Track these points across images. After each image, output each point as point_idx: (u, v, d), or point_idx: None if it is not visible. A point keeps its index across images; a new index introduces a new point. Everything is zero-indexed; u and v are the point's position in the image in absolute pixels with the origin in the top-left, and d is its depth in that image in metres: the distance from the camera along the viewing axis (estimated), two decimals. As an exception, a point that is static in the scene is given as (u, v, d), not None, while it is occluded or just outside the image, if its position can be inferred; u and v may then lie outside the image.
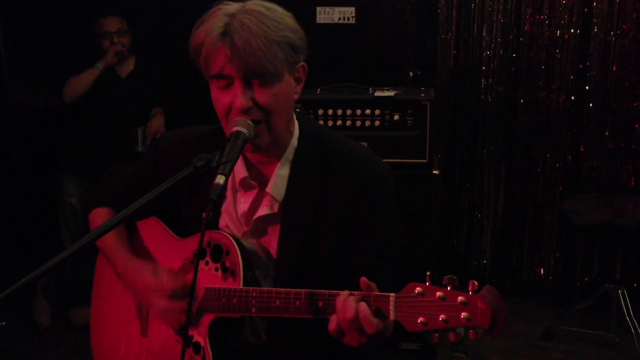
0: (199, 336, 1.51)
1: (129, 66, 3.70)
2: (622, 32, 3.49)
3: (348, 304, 1.29)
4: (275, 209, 1.53)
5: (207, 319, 1.50)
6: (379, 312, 1.28)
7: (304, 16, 1.45)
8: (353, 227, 1.51)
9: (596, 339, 3.31)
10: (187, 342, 1.52)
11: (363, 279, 1.31)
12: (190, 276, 1.54)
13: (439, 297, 1.21)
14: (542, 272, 3.84)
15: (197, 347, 1.51)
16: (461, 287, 1.23)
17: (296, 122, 1.54)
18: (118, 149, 3.58)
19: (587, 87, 3.59)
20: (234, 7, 1.39)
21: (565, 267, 3.79)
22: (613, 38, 3.51)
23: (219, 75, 1.38)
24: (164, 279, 1.52)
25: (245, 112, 1.38)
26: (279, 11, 1.40)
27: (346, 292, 1.32)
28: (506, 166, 3.79)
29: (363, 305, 1.28)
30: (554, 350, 3.31)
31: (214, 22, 1.36)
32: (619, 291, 3.20)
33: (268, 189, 1.52)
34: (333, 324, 1.33)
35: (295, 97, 1.47)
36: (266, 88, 1.38)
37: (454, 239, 3.99)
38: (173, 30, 3.80)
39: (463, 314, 1.19)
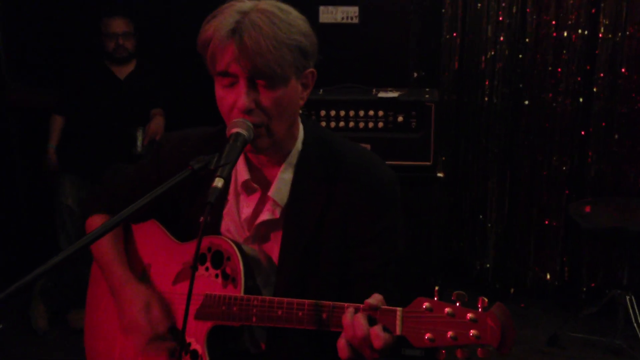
0: (197, 344, 1.48)
1: (128, 68, 3.68)
2: (630, 33, 3.45)
3: (358, 322, 1.26)
4: (277, 214, 1.50)
5: (205, 326, 1.47)
6: (386, 328, 1.26)
7: (307, 16, 1.41)
8: (358, 234, 1.48)
9: (602, 346, 3.28)
10: (185, 349, 1.49)
11: (367, 302, 1.28)
12: (186, 284, 1.50)
13: (447, 313, 1.19)
14: (547, 276, 3.79)
15: (194, 355, 1.48)
16: (470, 300, 1.20)
17: (301, 126, 1.51)
18: (117, 150, 3.57)
19: (594, 89, 3.55)
20: (247, 4, 1.36)
21: (571, 272, 3.75)
22: (620, 39, 3.46)
23: (224, 72, 1.35)
24: (152, 319, 1.51)
25: (247, 113, 1.34)
26: (293, 14, 1.37)
27: (352, 309, 1.29)
28: (511, 169, 3.76)
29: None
30: (560, 357, 3.28)
31: (225, 18, 1.33)
32: (626, 297, 3.17)
33: (270, 193, 1.49)
34: (343, 344, 1.29)
35: (301, 102, 1.44)
36: (271, 91, 1.35)
37: (457, 242, 3.96)
38: (173, 31, 3.79)
39: (472, 332, 1.16)
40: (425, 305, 1.21)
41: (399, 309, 1.25)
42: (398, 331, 1.24)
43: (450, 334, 1.18)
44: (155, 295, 1.56)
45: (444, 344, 1.19)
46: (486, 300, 1.18)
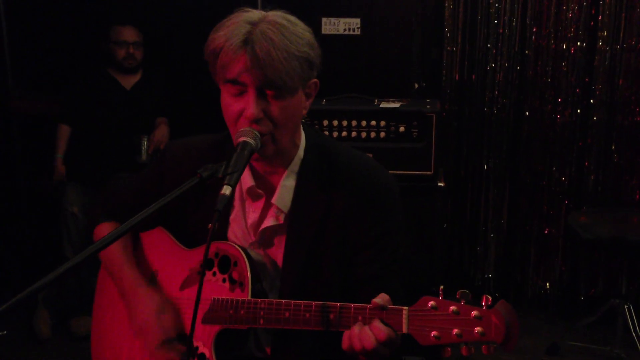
0: (205, 347, 1.49)
1: (135, 78, 3.69)
2: (628, 45, 3.49)
3: (365, 334, 1.29)
4: (281, 220, 1.52)
5: (213, 330, 1.48)
6: (392, 326, 1.28)
7: (309, 27, 1.43)
8: (359, 238, 1.50)
9: (602, 355, 3.28)
10: (193, 353, 1.50)
11: (374, 301, 1.30)
12: (195, 288, 1.52)
13: (452, 311, 1.21)
14: (547, 286, 3.81)
15: (202, 358, 1.49)
16: (472, 302, 1.22)
17: (302, 134, 1.54)
18: (121, 158, 3.57)
19: (591, 101, 3.58)
20: (255, 15, 1.38)
21: (571, 281, 3.76)
22: (618, 52, 3.50)
23: (234, 81, 1.36)
24: (164, 323, 1.52)
25: (255, 122, 1.37)
26: (300, 25, 1.40)
27: (360, 324, 1.32)
28: (511, 179, 3.78)
29: (377, 323, 1.29)
30: (560, 365, 3.29)
31: (236, 28, 1.35)
32: (625, 306, 3.18)
33: (273, 200, 1.51)
34: (346, 344, 1.32)
35: (304, 112, 1.47)
36: (279, 101, 1.37)
37: (458, 252, 3.97)
38: (179, 40, 3.82)
39: (477, 329, 1.19)
40: (431, 303, 1.24)
41: (405, 307, 1.27)
42: (404, 329, 1.27)
43: (455, 331, 1.20)
44: (167, 299, 1.57)
45: (450, 341, 1.21)
46: (490, 298, 1.20)
